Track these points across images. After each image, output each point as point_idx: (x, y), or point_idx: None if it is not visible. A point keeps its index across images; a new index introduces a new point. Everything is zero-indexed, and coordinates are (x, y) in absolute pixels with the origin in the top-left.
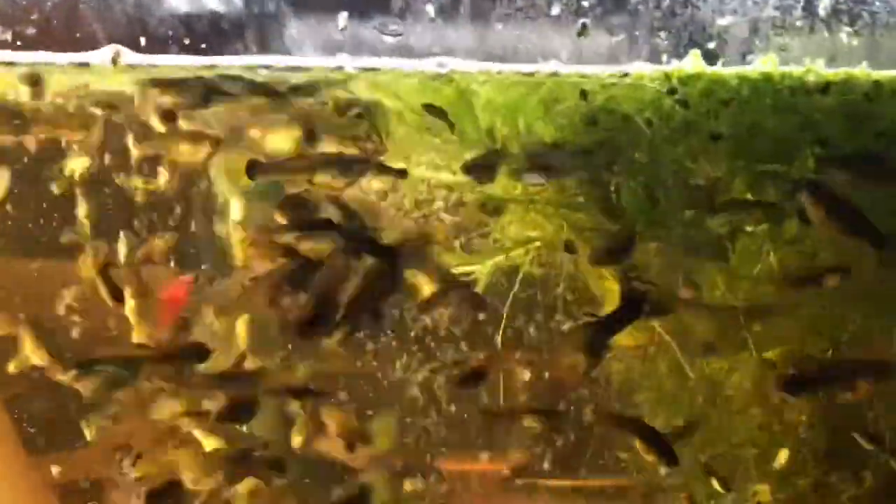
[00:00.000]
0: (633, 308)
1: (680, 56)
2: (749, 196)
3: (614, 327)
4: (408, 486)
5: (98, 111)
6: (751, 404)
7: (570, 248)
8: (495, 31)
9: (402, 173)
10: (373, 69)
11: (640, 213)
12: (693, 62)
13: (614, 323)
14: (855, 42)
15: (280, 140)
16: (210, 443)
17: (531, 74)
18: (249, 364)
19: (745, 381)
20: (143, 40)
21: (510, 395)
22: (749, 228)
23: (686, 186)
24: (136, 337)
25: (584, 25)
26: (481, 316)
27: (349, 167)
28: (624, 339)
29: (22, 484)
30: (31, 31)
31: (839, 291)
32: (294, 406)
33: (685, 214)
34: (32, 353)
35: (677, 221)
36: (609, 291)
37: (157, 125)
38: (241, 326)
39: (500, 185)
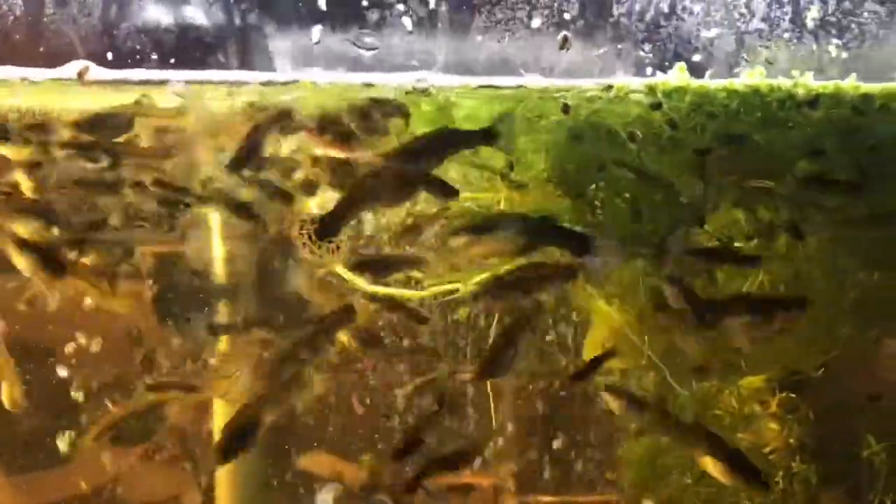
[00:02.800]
0: None
1: (665, 69)
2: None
3: None
4: None
5: None
6: None
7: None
8: (475, 43)
9: None
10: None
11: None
12: (678, 75)
13: None
14: (844, 54)
15: None
16: None
17: (511, 88)
18: None
19: None
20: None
21: None
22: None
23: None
24: None
25: (565, 38)
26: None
27: None
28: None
29: None
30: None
31: None
32: None
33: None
34: None
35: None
36: (597, 312)
37: None
38: None
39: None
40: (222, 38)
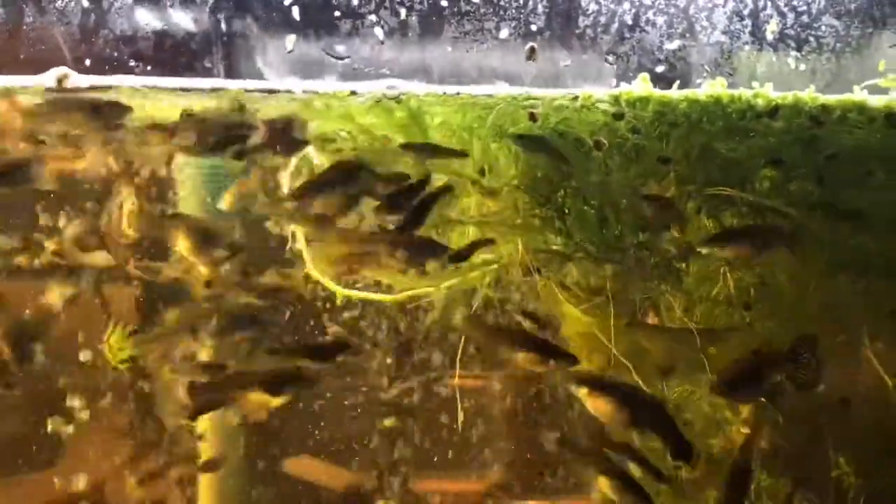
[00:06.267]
0: None
1: (629, 80)
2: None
3: None
4: None
5: None
6: None
7: (528, 271)
8: (445, 53)
9: None
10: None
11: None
12: (641, 85)
13: None
14: (802, 66)
15: None
16: None
17: (481, 96)
18: None
19: None
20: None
21: None
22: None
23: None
24: None
25: (532, 49)
26: None
27: None
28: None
29: None
30: None
31: None
32: None
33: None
34: None
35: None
36: (566, 315)
37: None
38: None
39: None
40: (207, 45)
